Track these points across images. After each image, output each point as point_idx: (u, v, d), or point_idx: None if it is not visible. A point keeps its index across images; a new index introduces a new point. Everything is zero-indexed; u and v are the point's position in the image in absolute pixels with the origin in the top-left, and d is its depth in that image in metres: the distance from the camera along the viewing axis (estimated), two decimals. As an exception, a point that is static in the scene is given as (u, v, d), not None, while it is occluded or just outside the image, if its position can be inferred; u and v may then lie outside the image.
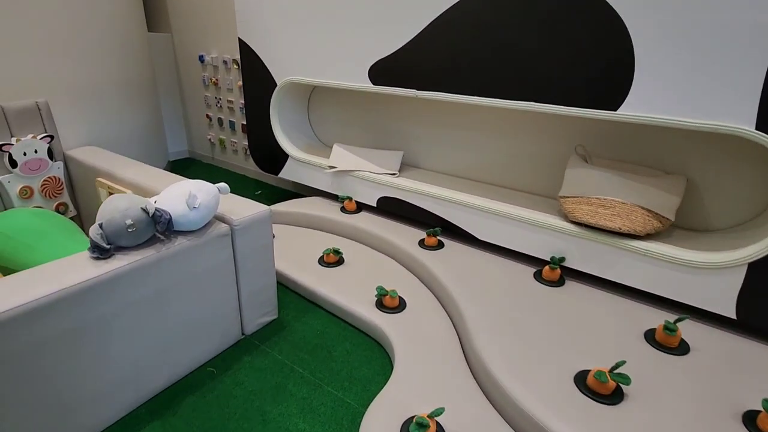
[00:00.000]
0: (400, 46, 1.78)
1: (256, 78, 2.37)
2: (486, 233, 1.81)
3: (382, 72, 1.86)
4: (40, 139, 1.83)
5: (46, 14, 1.88)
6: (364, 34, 1.86)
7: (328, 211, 2.20)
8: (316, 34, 2.02)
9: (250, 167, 3.22)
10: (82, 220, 2.10)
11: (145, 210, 1.07)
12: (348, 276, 1.77)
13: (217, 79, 3.08)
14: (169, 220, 1.12)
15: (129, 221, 1.04)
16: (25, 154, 1.78)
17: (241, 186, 3.03)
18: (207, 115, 3.34)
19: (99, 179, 1.85)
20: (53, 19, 1.92)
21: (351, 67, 1.95)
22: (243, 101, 2.97)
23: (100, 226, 1.04)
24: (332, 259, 1.84)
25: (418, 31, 1.71)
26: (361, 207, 2.24)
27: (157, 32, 3.35)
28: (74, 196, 2.05)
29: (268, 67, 2.29)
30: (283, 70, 2.23)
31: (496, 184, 2.05)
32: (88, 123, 2.15)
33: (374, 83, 1.90)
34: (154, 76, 3.15)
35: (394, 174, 2.08)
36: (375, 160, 2.16)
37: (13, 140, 1.73)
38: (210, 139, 3.41)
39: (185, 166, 3.49)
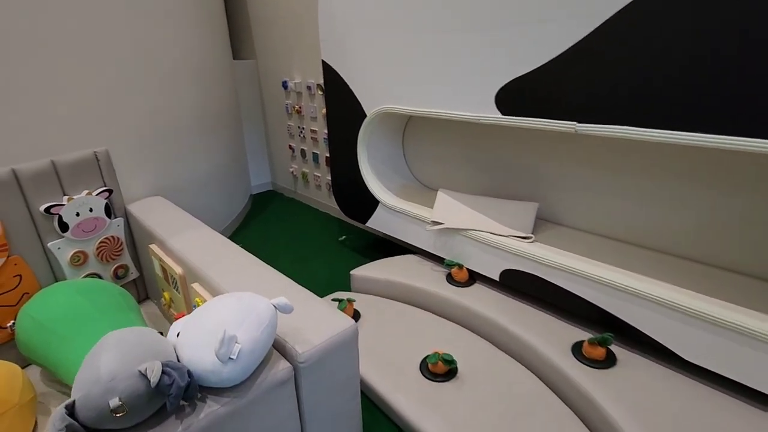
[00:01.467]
0: (550, 58, 1.18)
1: (342, 106, 1.93)
2: (696, 350, 1.11)
3: (518, 96, 1.28)
4: (97, 195, 1.56)
5: (109, 48, 1.62)
6: (491, 44, 1.30)
7: (430, 279, 1.65)
8: (419, 51, 1.50)
9: (334, 205, 2.82)
10: (145, 284, 1.81)
11: (144, 374, 0.62)
12: (466, 401, 1.20)
13: (300, 107, 2.74)
14: (188, 386, 0.65)
15: (116, 401, 0.60)
16: (78, 214, 1.51)
17: (324, 227, 2.63)
18: (290, 146, 3.02)
19: (151, 246, 1.52)
20: (119, 53, 1.66)
21: (468, 92, 1.39)
22: (327, 132, 2.58)
23: (70, 407, 0.60)
24: (441, 370, 1.28)
25: (586, 34, 1.10)
26: (474, 276, 1.65)
27: (241, 59, 3.14)
28: (137, 255, 1.76)
29: (356, 95, 1.83)
30: (374, 98, 1.75)
31: (694, 258, 1.32)
32: (157, 168, 1.88)
33: (504, 112, 1.32)
34: (239, 107, 2.92)
35: (527, 238, 1.47)
36: (497, 214, 1.57)
37: (65, 200, 1.47)
38: (293, 172, 3.09)
39: (267, 201, 3.22)
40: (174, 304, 1.50)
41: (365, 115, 1.82)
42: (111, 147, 1.65)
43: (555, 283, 1.35)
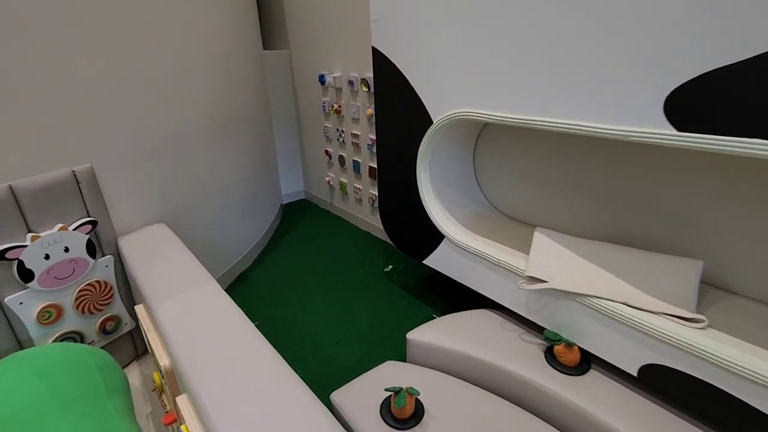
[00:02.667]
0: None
1: (397, 107, 1.46)
2: None
3: (708, 103, 0.76)
4: (75, 229, 1.17)
5: (95, 29, 1.22)
6: (664, 20, 0.78)
7: (522, 358, 1.16)
8: (529, 32, 1.00)
9: (378, 223, 2.36)
10: (144, 336, 1.42)
11: None
12: None
13: (339, 106, 2.29)
14: None
15: None
16: (47, 257, 1.12)
17: (365, 251, 2.18)
18: (326, 151, 2.59)
19: (138, 308, 1.12)
20: (109, 35, 1.25)
21: (614, 95, 0.89)
22: (373, 137, 2.12)
23: None
24: None
25: None
26: (588, 357, 1.15)
27: (272, 49, 2.72)
28: (132, 298, 1.37)
29: (419, 93, 1.35)
30: (446, 98, 1.27)
31: None
32: (162, 185, 1.48)
33: (681, 127, 0.80)
34: (268, 104, 2.51)
35: (695, 320, 0.95)
36: (635, 275, 1.06)
37: (28, 238, 1.08)
38: (329, 182, 2.66)
39: (299, 212, 2.80)
40: (164, 395, 1.09)
41: (430, 121, 1.34)
42: (97, 162, 1.26)
43: (742, 399, 0.84)
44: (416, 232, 1.58)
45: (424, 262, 1.58)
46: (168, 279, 1.10)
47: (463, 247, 1.37)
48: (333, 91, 2.33)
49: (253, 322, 0.91)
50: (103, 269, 1.26)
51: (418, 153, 1.43)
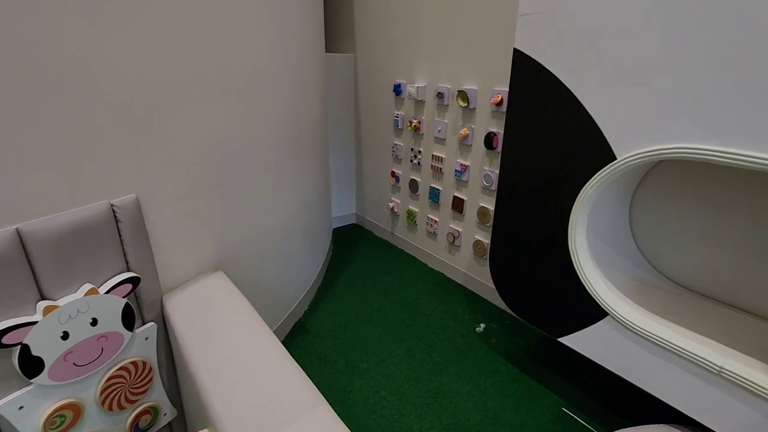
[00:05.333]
0: None
1: (547, 133, 1.07)
2: None
3: None
4: (109, 291, 0.79)
5: (133, 29, 0.86)
6: None
7: None
8: None
9: (456, 266, 1.96)
10: (187, 427, 1.04)
11: None
12: None
13: (419, 122, 1.92)
14: None
15: None
16: (65, 336, 0.74)
17: (444, 297, 1.78)
18: (392, 173, 2.21)
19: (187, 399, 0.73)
20: (153, 36, 0.89)
21: None
22: (464, 162, 1.73)
23: None
24: None
25: None
26: None
27: (335, 52, 2.37)
28: (176, 377, 0.99)
29: (594, 117, 0.96)
30: (650, 128, 0.87)
31: None
32: (220, 222, 1.11)
33: None
34: (327, 117, 2.14)
35: None
36: None
37: (39, 310, 0.71)
38: (392, 208, 2.27)
39: (352, 240, 2.41)
40: None
41: (611, 157, 0.95)
42: (144, 192, 0.89)
43: None
44: (552, 300, 1.17)
45: (561, 340, 1.18)
46: (228, 345, 0.71)
47: (646, 336, 0.96)
48: (411, 103, 1.95)
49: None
50: (142, 344, 0.89)
51: (579, 197, 1.03)
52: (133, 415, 0.90)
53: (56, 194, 0.74)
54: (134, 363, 0.87)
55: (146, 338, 0.89)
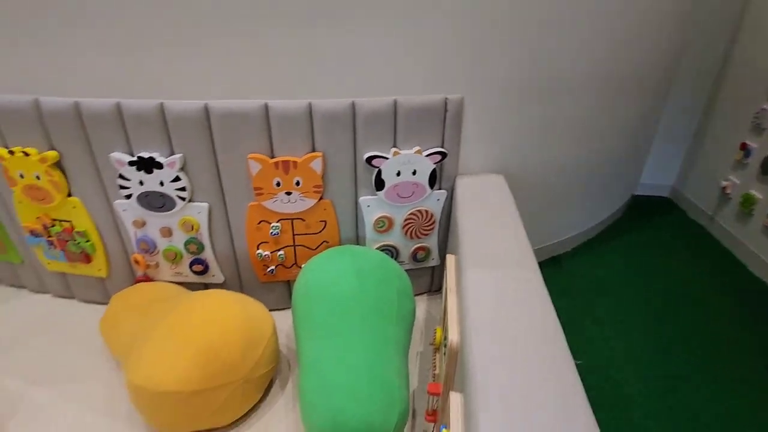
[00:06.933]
0: None
1: None
2: None
3: None
4: (427, 155, 1.18)
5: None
6: None
7: None
8: None
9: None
10: (443, 274, 1.41)
11: None
12: None
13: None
14: None
15: None
16: (398, 173, 1.18)
17: (762, 318, 1.42)
18: (743, 145, 1.76)
19: (450, 257, 1.03)
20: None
21: None
22: None
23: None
24: None
25: None
26: None
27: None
28: (446, 239, 1.36)
29: None
30: None
31: None
32: (516, 136, 1.32)
33: None
34: (674, 61, 1.87)
35: None
36: None
37: (391, 153, 1.15)
38: (725, 188, 1.85)
39: (657, 214, 2.15)
40: (438, 354, 1.01)
41: None
42: (469, 95, 1.19)
43: None
44: None
45: None
46: (490, 243, 0.95)
47: None
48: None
49: (576, 360, 0.64)
50: (434, 201, 1.27)
51: None
52: (415, 246, 1.32)
53: (413, 83, 1.14)
54: (426, 211, 1.27)
55: (438, 199, 1.27)
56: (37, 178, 1.15)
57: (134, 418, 1.00)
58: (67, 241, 1.24)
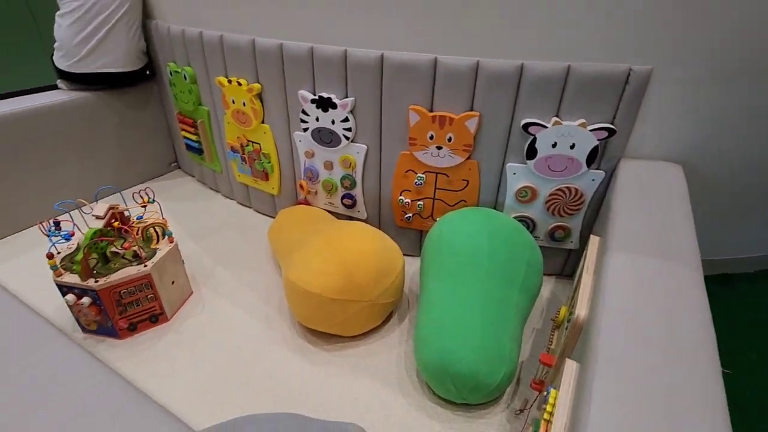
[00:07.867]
0: None
1: None
2: None
3: None
4: (592, 130, 1.09)
5: None
6: None
7: None
8: None
9: None
10: (580, 268, 1.33)
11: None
12: None
13: None
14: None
15: None
16: (554, 145, 1.13)
17: None
18: None
19: (594, 239, 0.97)
20: None
21: None
22: None
23: None
24: None
25: None
26: None
27: None
28: (593, 223, 1.26)
29: None
30: None
31: None
32: (703, 119, 1.12)
33: None
34: None
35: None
36: None
37: (551, 122, 1.10)
38: None
39: None
40: (557, 331, 0.98)
41: None
42: (660, 67, 1.05)
43: None
44: None
45: None
46: (646, 232, 0.87)
47: None
48: None
49: (725, 369, 0.57)
50: (588, 182, 1.18)
51: None
52: (555, 224, 1.27)
53: (596, 48, 1.04)
54: (576, 189, 1.19)
55: (593, 180, 1.17)
56: (243, 104, 1.42)
57: (283, 305, 1.23)
58: (255, 159, 1.52)
